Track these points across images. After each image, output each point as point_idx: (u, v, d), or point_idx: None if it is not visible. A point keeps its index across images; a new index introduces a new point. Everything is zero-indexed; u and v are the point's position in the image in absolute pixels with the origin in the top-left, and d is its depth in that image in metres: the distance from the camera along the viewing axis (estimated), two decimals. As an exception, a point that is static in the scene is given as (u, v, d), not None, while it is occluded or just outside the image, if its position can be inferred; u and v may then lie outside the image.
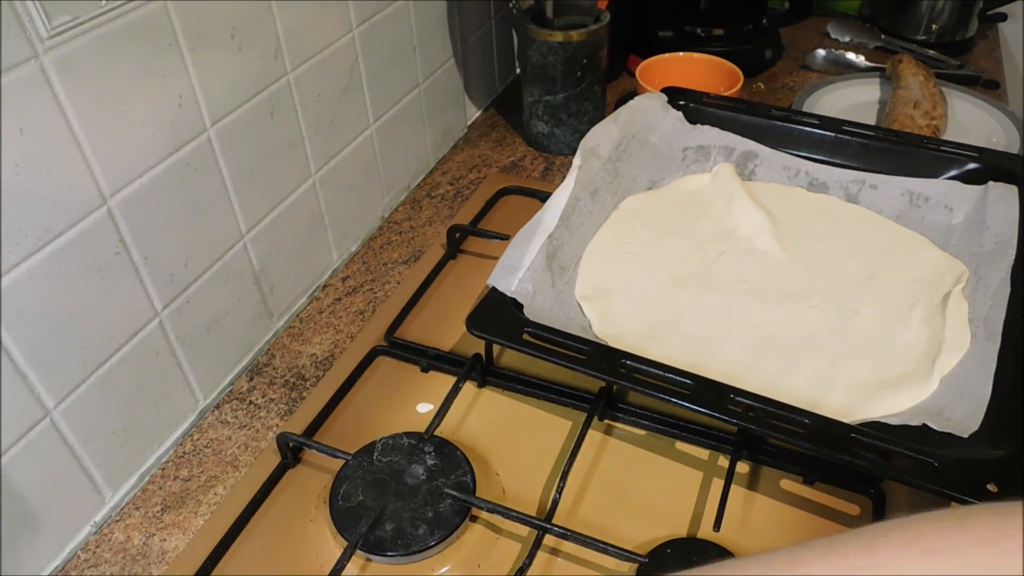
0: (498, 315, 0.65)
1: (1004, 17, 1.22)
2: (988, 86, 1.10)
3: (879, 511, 0.58)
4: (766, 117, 0.88)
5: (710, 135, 0.89)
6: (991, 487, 0.50)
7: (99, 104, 0.53)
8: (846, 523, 0.58)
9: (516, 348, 0.62)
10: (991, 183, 0.78)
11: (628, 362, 0.60)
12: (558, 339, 0.62)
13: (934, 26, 1.19)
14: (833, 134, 0.86)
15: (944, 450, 0.54)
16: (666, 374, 0.59)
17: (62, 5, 0.48)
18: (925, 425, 0.56)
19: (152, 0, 0.55)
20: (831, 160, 0.85)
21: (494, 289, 0.66)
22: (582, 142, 0.79)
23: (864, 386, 0.63)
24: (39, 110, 0.49)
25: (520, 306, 0.66)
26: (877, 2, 1.27)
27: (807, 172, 0.86)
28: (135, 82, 0.55)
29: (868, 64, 1.16)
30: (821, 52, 1.18)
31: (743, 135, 0.88)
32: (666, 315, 0.71)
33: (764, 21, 1.16)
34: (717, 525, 0.55)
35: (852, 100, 1.05)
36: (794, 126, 0.87)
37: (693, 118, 0.90)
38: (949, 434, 0.55)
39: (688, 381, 0.58)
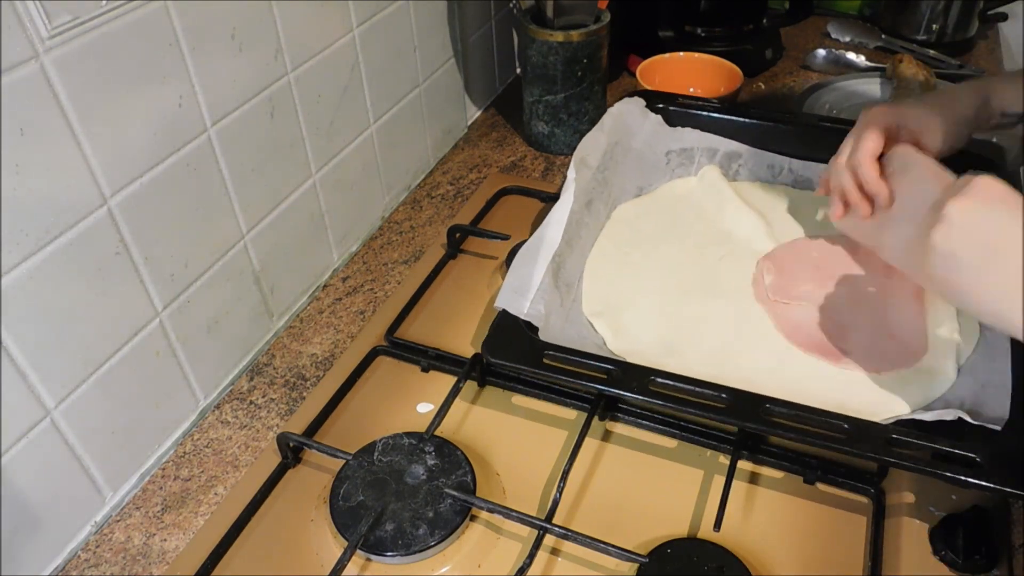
0: (514, 339, 0.63)
1: (1004, 17, 1.22)
2: (988, 86, 1.10)
3: (879, 510, 0.58)
4: (742, 116, 0.88)
5: (691, 137, 0.88)
6: None
7: (99, 104, 0.53)
8: (847, 522, 0.58)
9: (538, 373, 0.61)
10: (969, 172, 0.77)
11: (658, 379, 0.59)
12: (580, 360, 0.61)
13: (934, 26, 1.19)
14: (808, 127, 0.86)
15: (983, 444, 0.54)
16: (699, 388, 0.58)
17: (62, 5, 0.48)
18: (960, 419, 0.56)
19: (152, 0, 0.55)
20: (812, 156, 0.85)
21: (504, 312, 0.65)
22: (574, 154, 0.78)
23: (887, 382, 0.63)
24: (39, 110, 0.49)
25: (533, 328, 0.65)
26: (877, 2, 1.27)
27: (791, 169, 0.86)
28: (135, 82, 0.55)
29: (868, 64, 1.16)
30: (821, 52, 1.18)
31: (722, 135, 0.88)
32: (679, 325, 0.70)
33: (764, 21, 1.16)
34: (717, 525, 0.55)
35: (852, 100, 1.05)
36: (770, 123, 0.87)
37: (672, 120, 0.89)
38: (984, 427, 0.55)
39: (723, 395, 0.58)
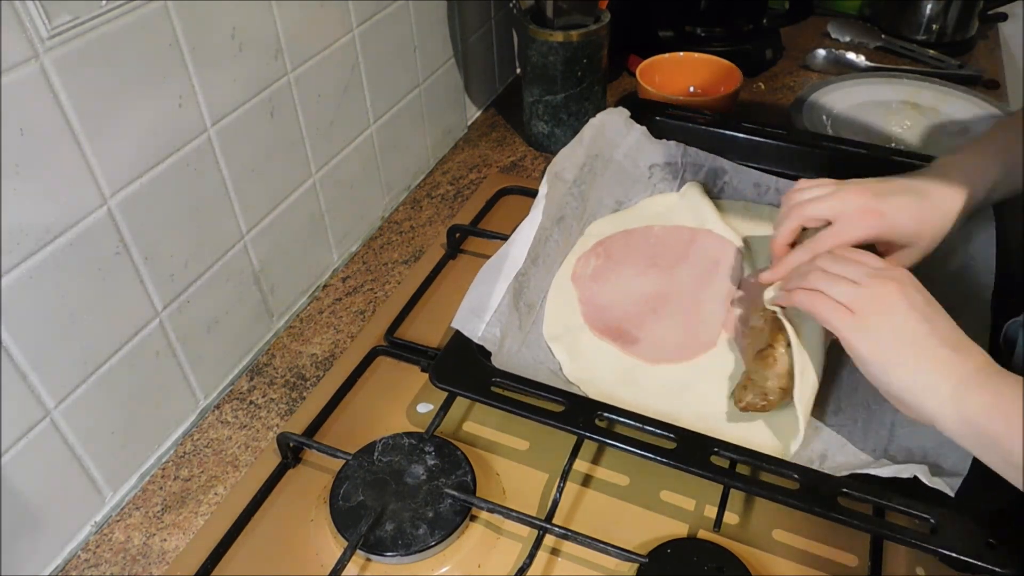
0: (464, 364, 0.63)
1: (1004, 17, 1.22)
2: (988, 86, 1.10)
3: (878, 512, 0.58)
4: (733, 130, 0.86)
5: (677, 151, 0.86)
6: (991, 542, 0.49)
7: (99, 104, 0.53)
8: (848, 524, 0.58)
9: (484, 402, 0.60)
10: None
11: (605, 414, 0.58)
12: (527, 389, 0.60)
13: (934, 26, 1.19)
14: (799, 147, 0.83)
15: (938, 503, 0.52)
16: (646, 427, 0.57)
17: (62, 5, 0.48)
18: (915, 477, 0.54)
19: (152, 0, 0.55)
20: (800, 174, 0.81)
21: (459, 333, 0.64)
22: (548, 167, 0.77)
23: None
24: (39, 110, 0.49)
25: (487, 352, 0.64)
26: (877, 2, 1.27)
27: (777, 189, 0.83)
28: (135, 82, 0.55)
29: (868, 64, 1.16)
30: (821, 52, 1.18)
31: (710, 148, 0.86)
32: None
33: (764, 21, 1.16)
34: (717, 525, 0.55)
35: (853, 100, 1.04)
36: (761, 139, 0.84)
37: (658, 132, 0.87)
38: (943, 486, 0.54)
39: (671, 435, 0.57)
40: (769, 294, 0.63)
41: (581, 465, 0.63)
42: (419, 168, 0.98)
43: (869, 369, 0.54)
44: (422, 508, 0.57)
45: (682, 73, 1.05)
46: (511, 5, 0.96)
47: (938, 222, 0.62)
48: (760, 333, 0.63)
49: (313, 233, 0.80)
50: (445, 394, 0.64)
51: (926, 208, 0.62)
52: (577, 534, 0.55)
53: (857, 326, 0.53)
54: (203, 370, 0.68)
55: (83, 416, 0.57)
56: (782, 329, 0.61)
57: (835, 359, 0.64)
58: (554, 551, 0.57)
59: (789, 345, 0.60)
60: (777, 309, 0.61)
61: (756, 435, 0.61)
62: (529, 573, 0.54)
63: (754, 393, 0.60)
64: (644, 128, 0.87)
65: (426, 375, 0.70)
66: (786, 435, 0.61)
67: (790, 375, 0.59)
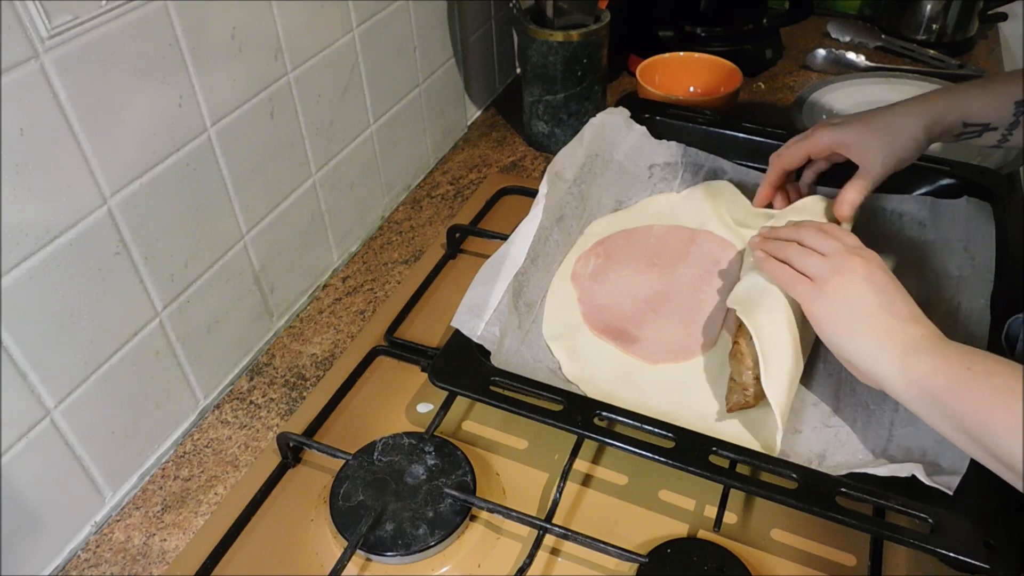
0: (463, 363, 0.62)
1: (1004, 17, 1.22)
2: (988, 86, 1.10)
3: (878, 512, 0.58)
4: (733, 130, 0.86)
5: (677, 151, 0.86)
6: (990, 542, 0.49)
7: (99, 104, 0.53)
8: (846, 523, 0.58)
9: (483, 401, 0.60)
10: (966, 198, 0.77)
11: (604, 413, 0.58)
12: (526, 388, 0.60)
13: (934, 26, 1.19)
14: None
15: (937, 503, 0.52)
16: (645, 427, 0.57)
17: (62, 5, 0.48)
18: (914, 476, 0.54)
19: (152, 0, 0.55)
20: (801, 174, 0.81)
21: (458, 332, 0.64)
22: (548, 167, 0.77)
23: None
24: (39, 110, 0.49)
25: (486, 351, 0.64)
26: (877, 2, 1.27)
27: None
28: (135, 82, 0.55)
29: (868, 64, 1.16)
30: (821, 52, 1.18)
31: (710, 148, 0.86)
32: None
33: (764, 21, 1.16)
34: (717, 525, 0.55)
35: (852, 100, 1.05)
36: (762, 140, 0.84)
37: (658, 132, 0.87)
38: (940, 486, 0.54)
39: (669, 435, 0.57)
40: (735, 293, 0.65)
41: (581, 465, 0.63)
42: (419, 168, 0.98)
43: (823, 333, 0.57)
44: (422, 508, 0.57)
45: (682, 73, 1.05)
46: (511, 5, 0.96)
47: (889, 144, 0.69)
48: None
49: (313, 233, 0.80)
50: (445, 394, 0.64)
51: (876, 131, 0.69)
52: (577, 534, 0.55)
53: (815, 293, 0.58)
54: (203, 370, 0.69)
55: (83, 416, 0.57)
56: (743, 323, 0.62)
57: (835, 360, 0.64)
58: (554, 551, 0.57)
59: (752, 338, 0.60)
60: (736, 307, 0.63)
61: (752, 433, 0.61)
62: (529, 573, 0.54)
63: (735, 391, 0.61)
64: (644, 128, 0.87)
65: (426, 375, 0.71)
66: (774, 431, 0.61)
67: (758, 364, 0.60)
